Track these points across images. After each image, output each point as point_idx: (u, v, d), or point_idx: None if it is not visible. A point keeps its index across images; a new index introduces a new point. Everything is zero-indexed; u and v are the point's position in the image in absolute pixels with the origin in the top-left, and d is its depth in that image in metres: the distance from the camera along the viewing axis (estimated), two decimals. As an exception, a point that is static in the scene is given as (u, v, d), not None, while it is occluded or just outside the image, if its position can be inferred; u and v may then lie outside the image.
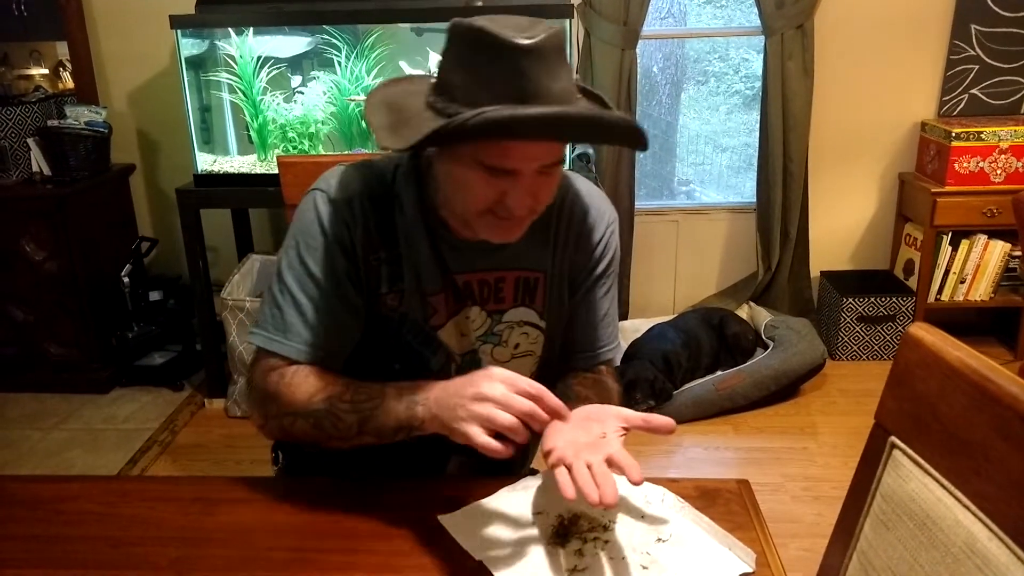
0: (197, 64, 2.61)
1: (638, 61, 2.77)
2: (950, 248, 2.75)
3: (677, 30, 3.08)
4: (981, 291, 2.79)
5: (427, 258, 0.96)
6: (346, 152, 2.59)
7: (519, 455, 1.02)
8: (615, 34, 2.69)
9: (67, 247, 2.63)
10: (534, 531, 0.82)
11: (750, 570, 0.77)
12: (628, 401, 2.36)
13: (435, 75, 0.88)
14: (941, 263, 2.76)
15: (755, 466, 2.27)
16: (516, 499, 0.88)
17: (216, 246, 2.87)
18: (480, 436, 0.77)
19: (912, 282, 2.84)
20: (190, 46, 2.56)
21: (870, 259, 3.06)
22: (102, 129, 2.72)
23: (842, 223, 3.03)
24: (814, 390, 2.67)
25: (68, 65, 2.88)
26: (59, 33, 2.82)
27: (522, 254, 1.00)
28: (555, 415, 0.80)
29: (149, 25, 2.71)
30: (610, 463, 0.76)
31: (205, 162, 2.62)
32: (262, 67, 2.51)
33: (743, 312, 2.95)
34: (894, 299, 2.80)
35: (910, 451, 0.73)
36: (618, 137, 0.88)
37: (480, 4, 2.43)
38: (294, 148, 2.60)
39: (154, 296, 2.79)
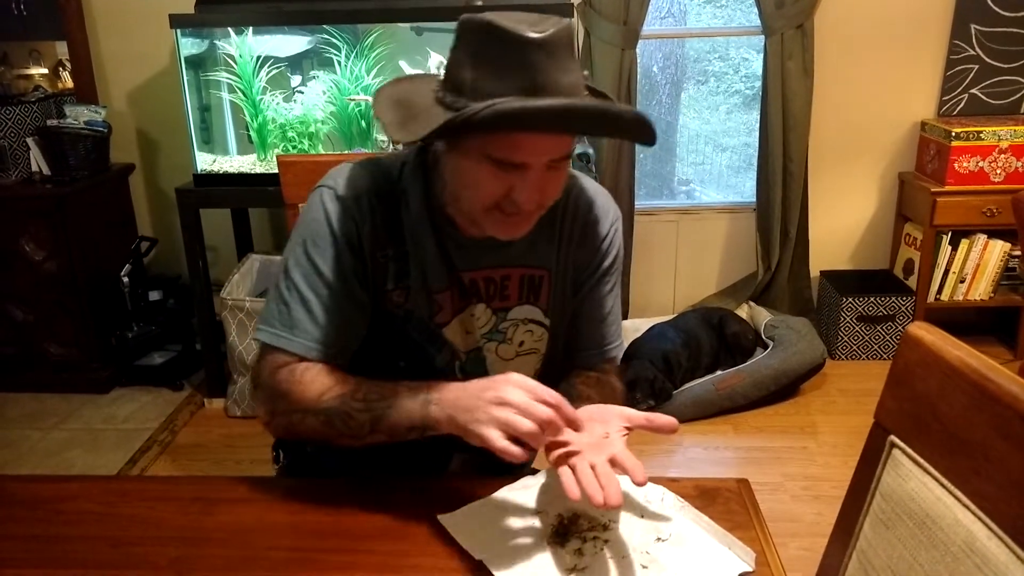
0: (197, 64, 2.61)
1: (638, 61, 2.77)
2: (950, 248, 2.75)
3: (677, 30, 3.08)
4: (981, 291, 2.79)
5: (433, 255, 0.97)
6: (346, 152, 2.58)
7: (532, 459, 1.02)
8: (615, 34, 2.69)
9: (67, 247, 2.63)
10: (534, 530, 0.82)
11: (750, 569, 0.77)
12: (628, 401, 2.35)
13: (442, 73, 0.89)
14: (941, 263, 2.77)
15: (755, 465, 2.27)
16: (516, 499, 0.88)
17: (216, 246, 2.87)
18: (499, 440, 0.77)
19: (912, 282, 2.84)
20: (190, 45, 2.56)
21: (870, 259, 3.06)
22: (101, 129, 2.72)
23: (842, 223, 3.03)
24: (814, 390, 2.67)
25: (68, 65, 2.88)
26: (59, 33, 2.82)
27: (527, 252, 1.00)
28: (572, 425, 0.80)
29: (149, 25, 2.71)
30: (613, 463, 0.76)
31: (205, 162, 2.62)
32: (262, 67, 2.51)
33: (743, 312, 2.95)
34: (894, 299, 2.80)
35: (910, 450, 0.73)
36: (627, 130, 0.88)
37: (480, 3, 2.43)
38: (294, 148, 2.59)
39: (154, 296, 2.79)
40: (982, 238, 2.73)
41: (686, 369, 2.57)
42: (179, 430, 2.54)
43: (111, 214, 2.86)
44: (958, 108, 2.86)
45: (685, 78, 3.19)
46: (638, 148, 2.91)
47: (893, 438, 0.75)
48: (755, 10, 2.74)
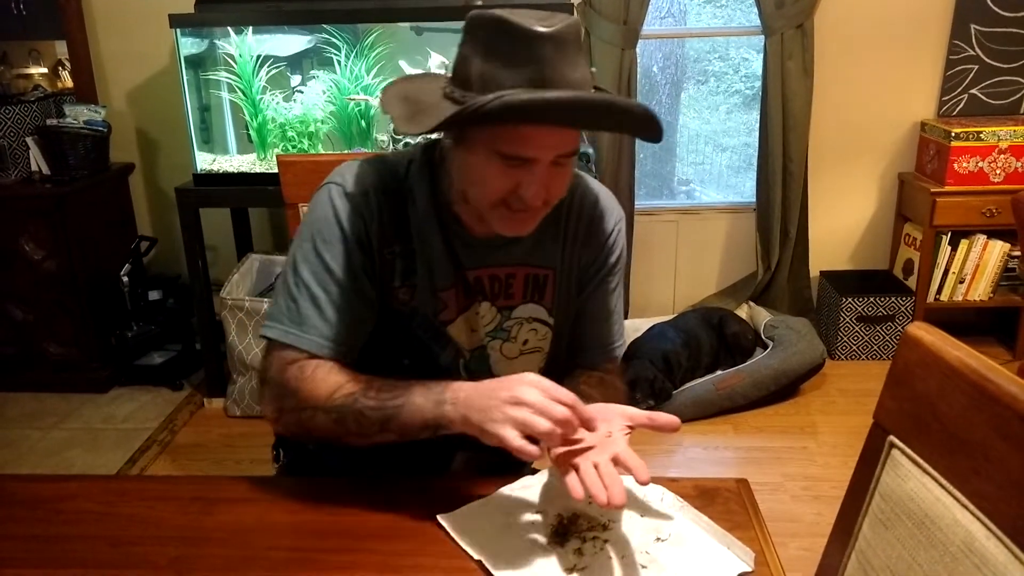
0: (196, 63, 2.61)
1: (638, 61, 2.77)
2: (949, 248, 2.75)
3: (677, 30, 3.08)
4: (980, 291, 2.79)
5: (439, 253, 0.97)
6: (346, 151, 2.58)
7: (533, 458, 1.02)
8: (615, 33, 2.69)
9: (66, 246, 2.63)
10: (533, 530, 0.82)
11: (749, 569, 0.77)
12: (629, 401, 2.35)
13: (450, 71, 0.89)
14: (940, 263, 2.77)
15: (755, 465, 2.27)
16: (515, 498, 0.88)
17: (215, 245, 2.87)
18: (515, 439, 0.77)
19: (911, 282, 2.84)
20: (189, 45, 2.56)
21: (869, 259, 3.06)
22: (101, 128, 2.72)
23: (842, 223, 3.03)
24: (813, 390, 2.67)
25: (67, 64, 2.88)
26: (58, 32, 2.82)
27: (533, 251, 1.01)
28: (586, 425, 0.80)
29: (148, 24, 2.71)
30: (616, 462, 0.77)
31: (204, 161, 2.62)
32: (261, 66, 2.51)
33: (743, 312, 2.95)
34: (893, 299, 2.80)
35: (909, 450, 0.73)
36: (635, 125, 0.88)
37: (480, 3, 2.43)
38: (293, 147, 2.59)
39: (153, 295, 2.79)
40: (982, 238, 2.74)
41: (686, 369, 2.57)
42: (179, 430, 2.54)
43: (111, 214, 2.86)
44: (958, 108, 2.86)
45: (685, 78, 3.19)
46: (638, 148, 2.91)
47: (892, 438, 0.75)
48: (755, 10, 2.74)
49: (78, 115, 2.70)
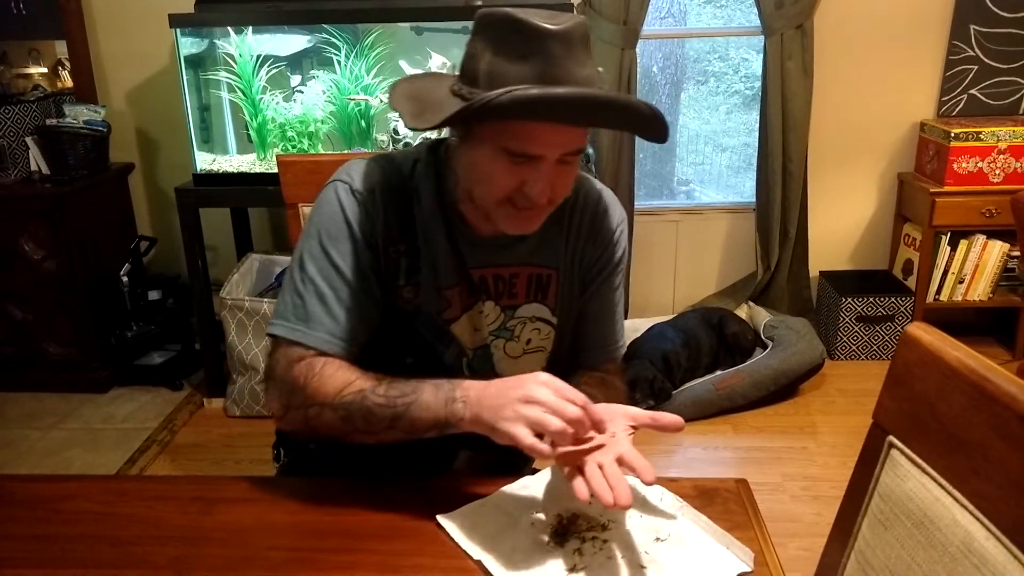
0: (196, 63, 2.61)
1: (638, 61, 2.77)
2: (949, 248, 2.75)
3: (677, 30, 3.08)
4: (980, 291, 2.79)
5: (444, 252, 0.97)
6: (346, 151, 2.58)
7: (534, 458, 1.02)
8: (615, 34, 2.69)
9: (66, 246, 2.63)
10: (532, 531, 0.82)
11: (748, 569, 0.77)
12: (628, 401, 2.36)
13: (457, 69, 0.90)
14: (940, 263, 2.77)
15: (754, 465, 2.27)
16: (515, 499, 0.88)
17: (215, 245, 2.87)
18: (528, 438, 0.77)
19: (911, 282, 2.84)
20: (189, 45, 2.56)
21: (869, 259, 3.06)
22: (101, 128, 2.72)
23: (841, 223, 3.03)
24: (813, 390, 2.67)
25: (67, 64, 2.88)
26: (58, 32, 2.82)
27: (536, 250, 1.01)
28: (596, 426, 0.80)
29: (148, 24, 2.71)
30: (620, 463, 0.77)
31: (204, 161, 2.62)
32: (261, 66, 2.51)
33: (742, 312, 2.95)
34: (893, 299, 2.80)
35: (908, 451, 0.73)
36: (641, 124, 0.89)
37: (480, 3, 2.42)
38: (293, 147, 2.59)
39: (153, 295, 2.79)
40: (981, 239, 2.74)
41: (686, 369, 2.57)
42: (178, 430, 2.54)
43: (110, 214, 2.86)
44: (957, 109, 2.86)
45: (685, 78, 3.20)
46: (638, 148, 2.91)
47: (892, 438, 0.75)
48: (755, 10, 2.74)
49: (78, 115, 2.70)
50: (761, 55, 2.80)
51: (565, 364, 1.09)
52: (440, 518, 0.85)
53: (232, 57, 2.49)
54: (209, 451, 2.43)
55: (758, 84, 2.88)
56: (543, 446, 0.77)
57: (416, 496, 0.89)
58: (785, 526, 1.96)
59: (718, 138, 3.27)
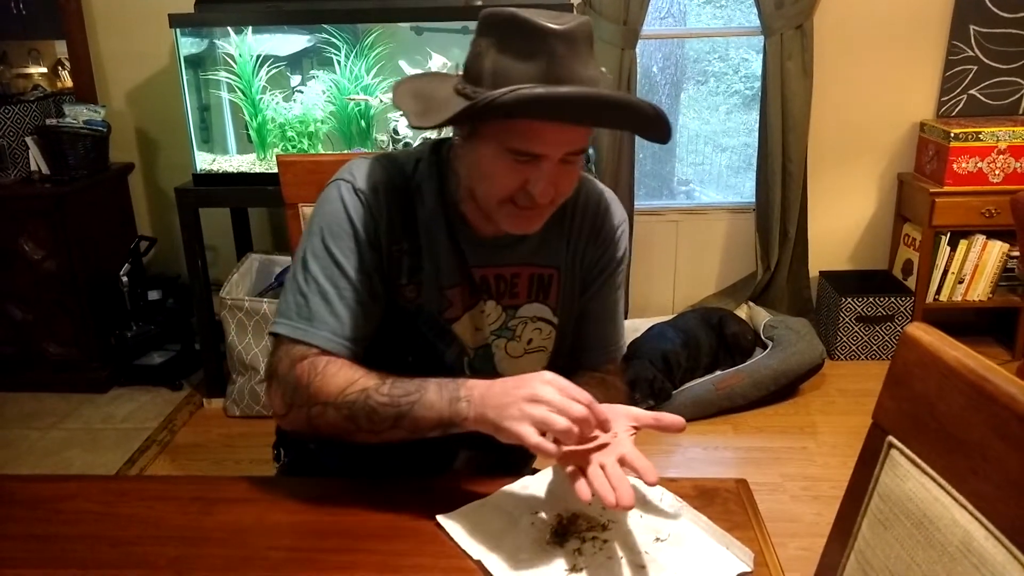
0: (196, 63, 2.61)
1: (638, 61, 2.77)
2: (948, 248, 2.75)
3: (677, 30, 3.08)
4: (979, 291, 2.79)
5: (446, 251, 0.97)
6: (346, 151, 2.59)
7: (534, 458, 1.02)
8: (615, 34, 2.69)
9: (66, 246, 2.63)
10: (532, 531, 0.82)
11: (748, 569, 0.77)
12: (628, 401, 2.36)
13: (461, 68, 0.90)
14: (939, 263, 2.77)
15: (754, 466, 2.27)
16: (514, 499, 0.88)
17: (215, 245, 2.87)
18: (534, 436, 0.77)
19: (911, 282, 2.84)
20: (189, 45, 2.56)
21: (869, 259, 3.06)
22: (101, 128, 2.72)
23: (841, 223, 3.03)
24: (813, 390, 2.67)
25: (67, 64, 2.88)
26: (58, 32, 2.82)
27: (538, 250, 1.02)
28: (601, 426, 0.80)
29: (148, 24, 2.71)
30: (622, 463, 0.77)
31: (204, 161, 2.62)
32: (261, 66, 2.51)
33: (742, 312, 2.95)
34: (892, 299, 2.80)
35: (908, 451, 0.73)
36: (646, 125, 0.89)
37: (480, 3, 2.42)
38: (293, 147, 2.59)
39: (153, 295, 2.79)
40: (981, 239, 2.74)
41: (685, 369, 2.57)
42: (178, 430, 2.54)
43: (110, 213, 2.86)
44: (957, 109, 2.86)
45: (685, 78, 3.20)
46: (637, 148, 2.91)
47: (891, 438, 0.75)
48: (755, 10, 2.74)
49: (78, 115, 2.70)
50: (761, 55, 2.80)
51: (565, 364, 1.09)
52: (440, 518, 0.85)
53: (232, 57, 2.49)
54: (209, 451, 2.43)
55: (758, 84, 2.88)
56: (549, 445, 0.77)
57: (416, 496, 0.89)
58: (785, 526, 1.96)
59: (718, 138, 3.27)
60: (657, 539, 0.81)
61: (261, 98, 2.55)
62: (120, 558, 0.83)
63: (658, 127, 0.87)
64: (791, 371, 2.55)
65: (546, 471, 0.91)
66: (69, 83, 2.89)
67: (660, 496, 0.88)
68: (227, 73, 2.53)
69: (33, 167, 2.69)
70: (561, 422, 0.77)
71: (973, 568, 0.62)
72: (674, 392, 2.51)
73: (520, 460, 1.09)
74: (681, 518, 0.84)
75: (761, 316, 2.84)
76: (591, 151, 2.77)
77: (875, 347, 2.85)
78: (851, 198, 3.00)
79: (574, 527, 0.82)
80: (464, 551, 0.80)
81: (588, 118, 0.87)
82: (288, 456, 1.17)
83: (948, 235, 2.74)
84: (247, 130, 2.61)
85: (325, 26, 2.50)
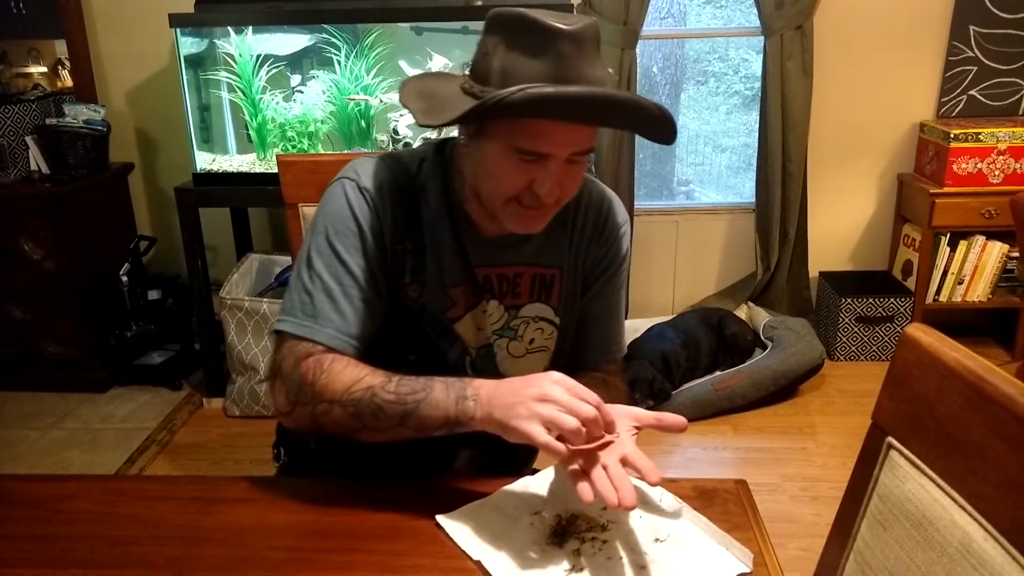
0: (196, 63, 2.61)
1: (638, 61, 2.77)
2: (948, 249, 2.75)
3: (677, 30, 3.08)
4: (979, 292, 2.79)
5: (450, 250, 0.98)
6: (346, 151, 2.59)
7: (535, 458, 1.01)
8: (615, 34, 2.69)
9: (65, 246, 2.63)
10: (532, 531, 0.82)
11: (748, 570, 0.77)
12: (628, 401, 2.36)
13: (468, 67, 0.91)
14: (939, 264, 2.77)
15: (753, 466, 2.27)
16: (514, 499, 0.88)
17: (215, 245, 2.87)
18: (543, 435, 0.77)
19: (910, 283, 2.84)
20: (189, 45, 2.56)
21: (869, 260, 3.06)
22: (101, 128, 2.72)
23: (841, 223, 3.03)
24: (812, 390, 2.67)
25: (67, 63, 2.88)
26: (58, 31, 2.82)
27: (541, 250, 1.02)
28: (608, 427, 0.80)
29: (148, 24, 2.71)
30: (624, 463, 0.77)
31: (204, 161, 2.62)
32: (261, 66, 2.51)
33: (742, 312, 2.95)
34: (892, 300, 2.80)
35: (907, 451, 0.73)
36: (652, 125, 0.89)
37: (480, 3, 2.42)
38: (293, 147, 2.59)
39: (153, 295, 2.79)
40: (980, 239, 2.74)
41: (685, 369, 2.57)
42: (178, 430, 2.54)
43: (110, 213, 2.86)
44: (957, 109, 2.86)
45: (685, 78, 3.20)
46: (637, 148, 2.91)
47: (890, 439, 0.75)
48: (755, 11, 2.74)
49: (78, 114, 2.70)
50: (761, 55, 2.81)
51: (566, 365, 1.09)
52: (440, 518, 0.85)
53: (232, 57, 2.49)
54: (209, 451, 2.43)
55: (758, 84, 2.88)
56: (558, 444, 0.77)
57: (416, 496, 0.89)
58: (784, 527, 1.96)
59: (718, 138, 3.27)
60: (657, 539, 0.81)
61: (261, 98, 2.55)
62: (120, 558, 0.83)
63: (664, 128, 0.88)
64: (791, 372, 2.55)
65: (546, 471, 0.91)
66: (69, 83, 2.89)
67: (660, 497, 0.88)
68: (227, 73, 2.53)
69: (33, 167, 2.69)
70: (571, 422, 0.77)
71: (972, 569, 0.62)
72: (674, 392, 2.51)
73: (520, 460, 1.09)
74: (681, 519, 0.84)
75: (761, 316, 2.84)
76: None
77: (875, 348, 2.85)
78: (851, 198, 3.00)
79: (574, 527, 0.82)
80: (464, 551, 0.80)
81: (596, 118, 0.88)
82: (288, 456, 1.17)
83: (948, 236, 2.74)
84: (247, 130, 2.61)
85: (325, 26, 2.50)
